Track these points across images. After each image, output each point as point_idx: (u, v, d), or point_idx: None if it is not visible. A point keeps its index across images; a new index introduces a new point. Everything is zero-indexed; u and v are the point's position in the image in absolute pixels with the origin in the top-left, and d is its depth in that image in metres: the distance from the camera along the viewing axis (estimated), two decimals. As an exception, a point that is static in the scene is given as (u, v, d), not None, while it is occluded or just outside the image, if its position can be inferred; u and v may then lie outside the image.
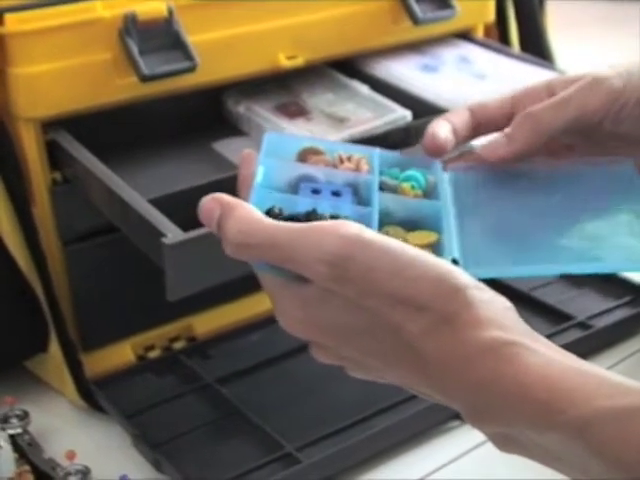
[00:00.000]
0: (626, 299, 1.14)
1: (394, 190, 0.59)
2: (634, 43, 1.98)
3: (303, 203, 0.54)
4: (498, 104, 0.65)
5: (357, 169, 0.59)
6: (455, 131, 0.64)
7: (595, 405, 0.44)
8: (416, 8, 1.10)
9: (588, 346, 1.07)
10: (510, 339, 0.47)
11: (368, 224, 0.53)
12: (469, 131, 0.65)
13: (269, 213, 0.52)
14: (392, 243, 0.49)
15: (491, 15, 1.21)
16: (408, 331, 0.48)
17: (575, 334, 1.08)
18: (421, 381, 0.50)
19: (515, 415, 0.46)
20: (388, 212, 0.56)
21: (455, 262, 0.54)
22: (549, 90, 0.64)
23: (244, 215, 0.51)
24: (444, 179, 0.61)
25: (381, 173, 0.59)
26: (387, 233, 0.55)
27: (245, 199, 0.54)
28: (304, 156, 0.59)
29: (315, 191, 0.56)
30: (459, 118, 0.65)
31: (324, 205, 0.54)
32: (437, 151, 0.63)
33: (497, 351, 0.47)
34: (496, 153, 0.62)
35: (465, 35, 1.21)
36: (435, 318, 0.48)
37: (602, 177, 0.60)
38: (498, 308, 0.49)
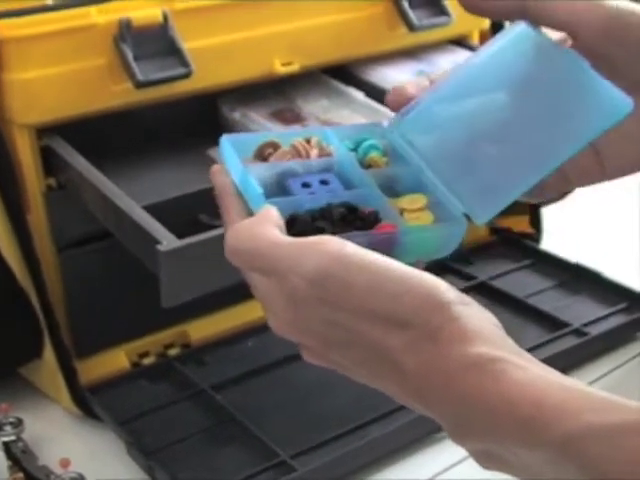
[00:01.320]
0: (621, 306, 1.14)
1: (362, 163, 0.58)
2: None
3: (306, 200, 0.54)
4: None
5: (322, 152, 0.58)
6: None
7: (581, 421, 0.44)
8: (411, 15, 1.10)
9: (584, 353, 1.07)
10: (495, 355, 0.47)
11: (378, 203, 0.53)
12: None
13: (294, 221, 0.52)
14: (375, 259, 0.49)
15: (486, 21, 1.21)
16: (387, 346, 0.48)
17: (571, 341, 1.08)
18: (404, 394, 0.50)
19: (499, 431, 0.46)
20: None
21: (467, 216, 0.54)
22: None
23: (241, 225, 0.51)
24: (396, 137, 0.60)
25: None
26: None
27: (230, 208, 0.54)
28: (263, 151, 0.59)
29: (305, 185, 0.56)
30: (421, 82, 0.62)
31: (326, 198, 0.54)
32: (401, 105, 0.59)
33: (481, 367, 0.47)
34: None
35: (460, 41, 1.21)
36: (417, 334, 0.48)
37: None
38: (484, 324, 0.49)
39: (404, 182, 0.57)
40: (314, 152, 0.58)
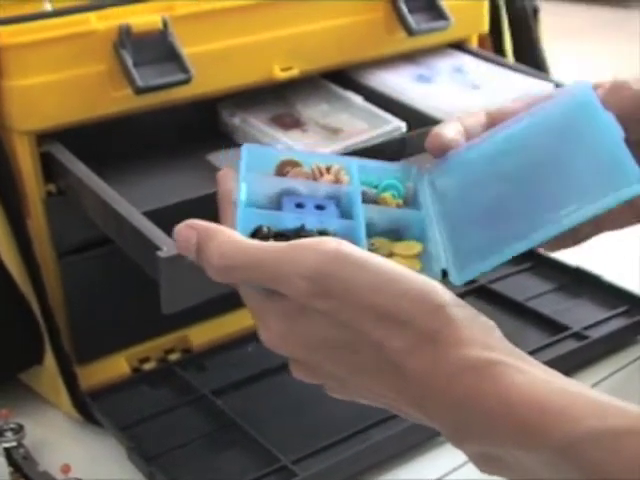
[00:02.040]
0: (622, 309, 1.14)
1: (375, 200, 0.59)
2: (633, 48, 1.99)
3: (289, 219, 0.54)
4: (516, 108, 0.63)
5: (337, 180, 0.59)
6: (467, 132, 0.62)
7: (584, 425, 0.44)
8: (410, 19, 1.10)
9: (584, 356, 1.07)
10: (493, 358, 0.47)
11: (355, 237, 0.53)
12: (483, 133, 0.63)
13: (257, 233, 0.52)
14: (372, 259, 0.49)
15: (485, 26, 1.22)
16: (390, 348, 0.48)
17: (571, 345, 1.08)
18: (401, 398, 0.50)
19: (499, 434, 0.46)
20: (372, 223, 0.56)
21: (444, 272, 0.54)
22: None
23: (225, 239, 0.51)
24: (424, 183, 0.60)
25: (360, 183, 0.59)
26: (373, 245, 0.55)
27: (226, 215, 0.54)
28: (282, 169, 0.59)
29: (299, 205, 0.56)
30: (473, 119, 0.63)
31: (310, 220, 0.54)
32: (439, 150, 0.61)
33: (480, 370, 0.47)
34: None
35: (459, 45, 1.21)
36: (417, 335, 0.48)
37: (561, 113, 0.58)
38: (481, 326, 0.49)
39: (410, 227, 0.57)
40: (327, 178, 0.58)
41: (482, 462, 0.49)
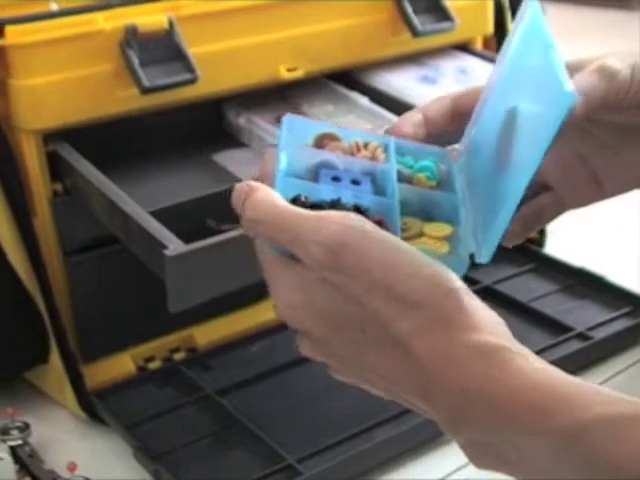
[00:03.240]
0: (625, 310, 1.15)
1: (409, 180, 0.59)
2: (634, 50, 1.99)
3: (326, 191, 0.55)
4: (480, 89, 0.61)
5: (374, 158, 0.59)
6: (430, 120, 0.62)
7: (595, 411, 0.44)
8: (415, 20, 1.10)
9: (588, 357, 1.07)
10: (501, 344, 0.47)
11: (390, 215, 0.53)
12: (447, 120, 0.61)
13: (295, 201, 0.53)
14: (390, 238, 0.50)
15: (490, 27, 1.22)
16: (399, 327, 0.48)
17: (575, 345, 1.08)
18: (404, 381, 0.49)
19: (505, 419, 0.46)
20: (405, 202, 0.57)
21: (472, 257, 0.54)
22: None
23: (262, 195, 0.52)
24: (454, 168, 0.61)
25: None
26: (405, 224, 0.55)
27: (260, 181, 0.55)
28: (321, 141, 0.59)
29: (335, 178, 0.56)
30: (437, 105, 0.63)
31: (346, 194, 0.55)
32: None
33: (489, 355, 0.47)
34: None
35: (464, 47, 1.22)
36: (428, 317, 0.48)
37: None
38: (491, 317, 0.49)
39: (442, 209, 0.57)
40: (363, 153, 0.58)
41: (478, 453, 0.48)
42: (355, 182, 0.57)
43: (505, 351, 0.47)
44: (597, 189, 0.62)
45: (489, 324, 0.48)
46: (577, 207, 0.64)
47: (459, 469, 0.92)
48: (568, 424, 0.44)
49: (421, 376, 0.48)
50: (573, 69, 0.58)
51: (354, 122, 1.07)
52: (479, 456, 0.48)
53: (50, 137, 0.94)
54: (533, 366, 0.47)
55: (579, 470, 0.44)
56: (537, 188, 0.63)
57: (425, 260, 0.49)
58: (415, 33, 1.11)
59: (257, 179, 0.55)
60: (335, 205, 0.53)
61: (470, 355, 0.47)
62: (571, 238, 1.34)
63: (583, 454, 0.44)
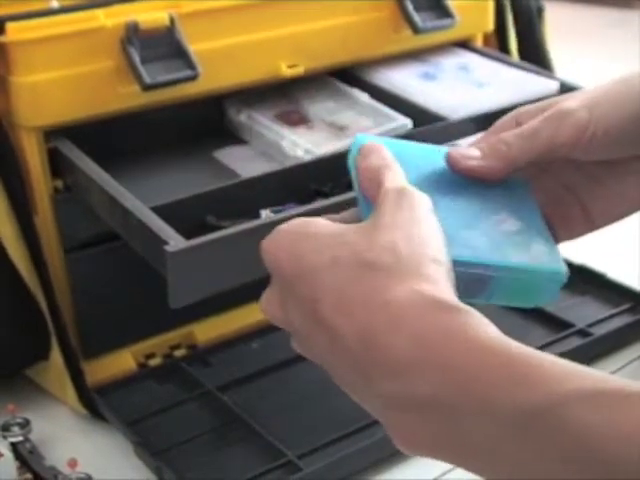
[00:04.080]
0: (625, 306, 1.15)
1: None
2: (635, 48, 1.99)
3: None
4: None
5: None
6: None
7: (569, 385, 0.40)
8: (416, 17, 1.10)
9: (588, 354, 1.07)
10: (466, 308, 0.43)
11: None
12: None
13: None
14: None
15: (490, 24, 1.22)
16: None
17: (575, 342, 1.08)
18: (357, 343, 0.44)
19: (459, 382, 0.41)
20: None
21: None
22: (517, 122, 0.62)
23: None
24: None
25: None
26: None
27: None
28: None
29: None
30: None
31: None
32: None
33: (452, 311, 0.43)
34: (466, 163, 0.59)
35: (465, 44, 1.22)
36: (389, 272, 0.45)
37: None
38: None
39: None
40: None
41: (418, 421, 0.43)
42: None
43: (469, 313, 0.43)
44: (587, 221, 0.62)
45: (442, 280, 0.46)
46: (569, 239, 0.63)
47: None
48: (536, 398, 0.40)
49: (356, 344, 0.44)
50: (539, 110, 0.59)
51: (355, 118, 1.07)
52: (417, 428, 0.44)
53: (51, 134, 0.94)
54: (493, 332, 0.43)
55: (540, 453, 0.39)
56: None
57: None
58: (416, 30, 1.11)
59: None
60: None
61: (435, 306, 0.43)
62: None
63: (551, 434, 0.39)
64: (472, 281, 0.51)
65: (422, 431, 0.43)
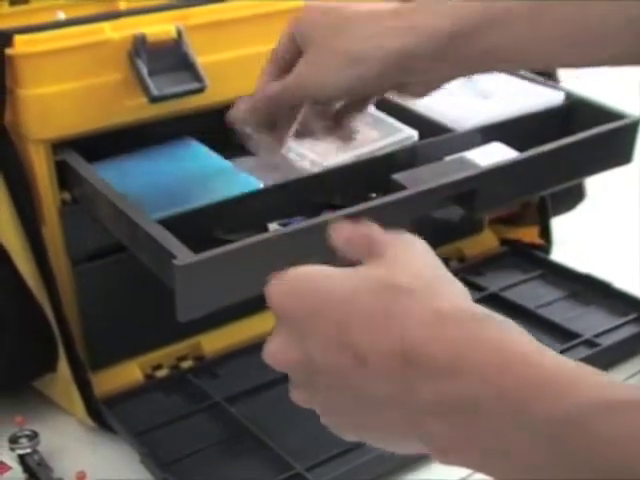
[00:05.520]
0: (632, 316, 1.15)
1: None
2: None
3: None
4: None
5: None
6: None
7: (596, 395, 0.41)
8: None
9: (595, 364, 1.05)
10: (510, 321, 0.46)
11: None
12: None
13: None
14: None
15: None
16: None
17: (582, 352, 1.08)
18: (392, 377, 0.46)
19: (493, 391, 0.43)
20: None
21: None
22: None
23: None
24: None
25: None
26: None
27: None
28: None
29: None
30: None
31: None
32: None
33: (495, 322, 0.46)
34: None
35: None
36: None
37: None
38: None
39: None
40: None
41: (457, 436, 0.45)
42: None
43: (496, 320, 0.46)
44: None
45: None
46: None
47: (469, 475, 0.92)
48: (565, 407, 0.41)
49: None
50: None
51: (361, 130, 1.07)
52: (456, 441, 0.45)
53: (58, 146, 0.94)
54: (528, 341, 0.45)
55: (573, 465, 0.41)
56: None
57: None
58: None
59: None
60: None
61: (461, 317, 0.45)
62: (577, 245, 1.34)
63: (580, 444, 0.40)
64: None
65: (460, 435, 0.45)
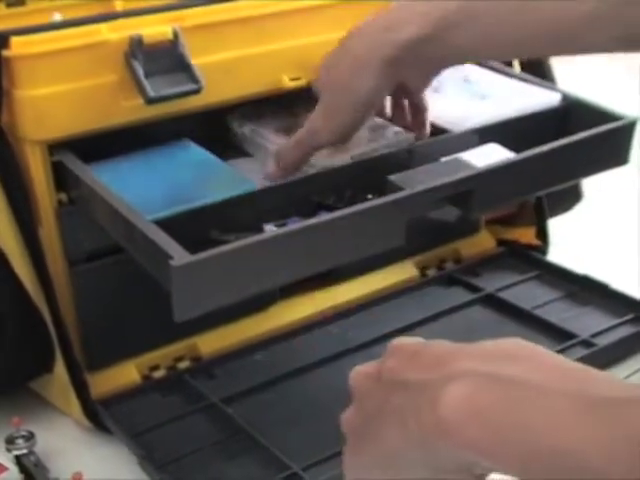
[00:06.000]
0: (629, 317, 1.15)
1: None
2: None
3: None
4: None
5: None
6: None
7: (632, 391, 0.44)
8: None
9: (591, 364, 1.06)
10: None
11: None
12: None
13: None
14: None
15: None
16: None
17: (578, 352, 1.08)
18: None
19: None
20: None
21: None
22: None
23: None
24: None
25: None
26: None
27: None
28: None
29: None
30: None
31: None
32: None
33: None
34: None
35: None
36: None
37: None
38: None
39: None
40: None
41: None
42: None
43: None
44: None
45: None
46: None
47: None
48: (607, 395, 0.44)
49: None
50: None
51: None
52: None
53: (55, 147, 0.94)
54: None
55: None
56: None
57: None
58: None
59: None
60: None
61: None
62: (574, 245, 1.34)
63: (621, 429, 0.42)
64: None
65: (495, 411, 0.48)
